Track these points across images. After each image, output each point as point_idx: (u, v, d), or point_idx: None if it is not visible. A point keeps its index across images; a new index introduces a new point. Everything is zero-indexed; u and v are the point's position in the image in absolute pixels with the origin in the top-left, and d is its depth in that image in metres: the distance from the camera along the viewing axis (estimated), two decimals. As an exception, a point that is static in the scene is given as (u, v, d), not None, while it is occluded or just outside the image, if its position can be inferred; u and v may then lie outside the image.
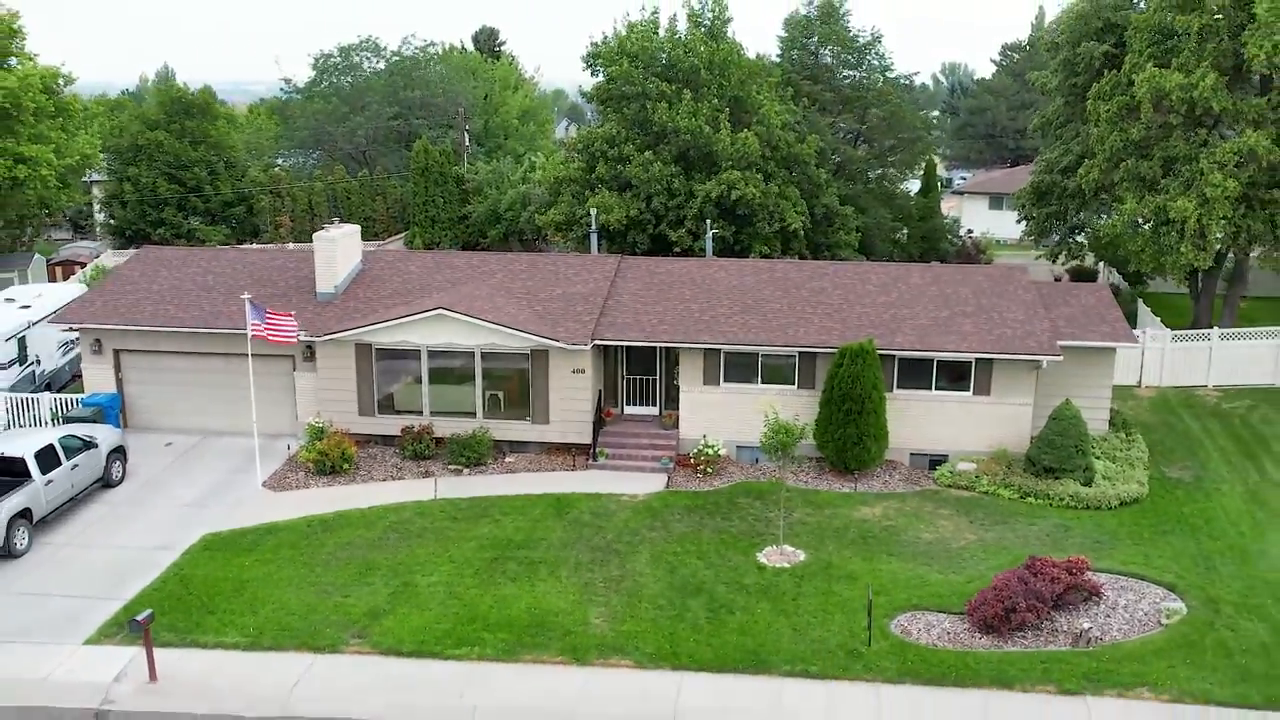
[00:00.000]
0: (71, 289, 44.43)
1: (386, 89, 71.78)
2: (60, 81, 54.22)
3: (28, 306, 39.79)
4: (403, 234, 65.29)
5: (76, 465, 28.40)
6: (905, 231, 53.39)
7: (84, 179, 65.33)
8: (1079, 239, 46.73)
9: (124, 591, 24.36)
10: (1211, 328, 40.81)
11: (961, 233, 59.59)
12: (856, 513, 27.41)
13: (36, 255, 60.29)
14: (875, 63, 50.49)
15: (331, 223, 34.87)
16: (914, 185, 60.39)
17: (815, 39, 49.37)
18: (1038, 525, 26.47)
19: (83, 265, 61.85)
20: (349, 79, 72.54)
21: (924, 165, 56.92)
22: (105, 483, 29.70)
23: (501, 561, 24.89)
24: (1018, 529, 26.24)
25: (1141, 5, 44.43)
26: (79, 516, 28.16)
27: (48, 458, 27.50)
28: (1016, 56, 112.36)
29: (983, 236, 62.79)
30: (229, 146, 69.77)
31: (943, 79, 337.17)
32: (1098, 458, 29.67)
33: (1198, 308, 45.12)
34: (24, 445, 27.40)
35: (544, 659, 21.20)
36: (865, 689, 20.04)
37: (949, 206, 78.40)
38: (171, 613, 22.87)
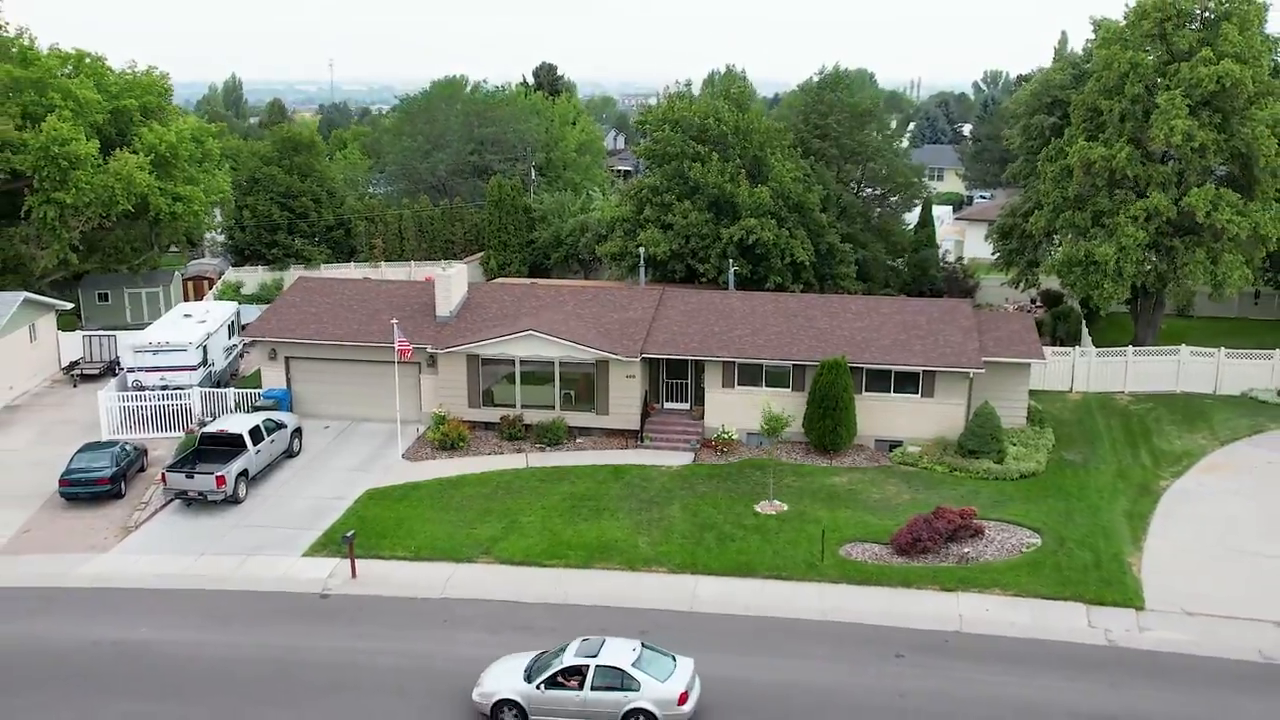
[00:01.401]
0: (227, 306, 55.92)
1: (464, 128, 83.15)
2: (204, 135, 65.91)
3: (204, 321, 51.44)
4: (478, 255, 76.50)
5: (273, 440, 39.95)
6: (904, 260, 63.65)
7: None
8: (1036, 271, 56.81)
9: (319, 524, 35.76)
10: (1147, 344, 51.16)
11: (952, 260, 69.84)
12: (829, 480, 38.26)
13: (176, 273, 72.26)
14: (874, 127, 61.00)
15: (449, 263, 46.14)
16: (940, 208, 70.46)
17: (824, 105, 59.87)
18: (957, 490, 37.11)
19: (210, 281, 73.78)
20: (429, 122, 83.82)
21: (921, 202, 67.36)
22: (289, 454, 41.23)
23: (577, 508, 36.04)
24: (942, 492, 36.87)
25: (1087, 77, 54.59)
26: (274, 477, 39.66)
27: (256, 434, 39.03)
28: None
29: (972, 261, 73.02)
30: (330, 178, 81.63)
31: (984, 87, 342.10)
32: (1013, 444, 40.18)
33: (1137, 327, 55.26)
34: (240, 425, 38.99)
35: (608, 567, 32.27)
36: (815, 585, 30.90)
37: (955, 231, 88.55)
38: (355, 537, 34.02)
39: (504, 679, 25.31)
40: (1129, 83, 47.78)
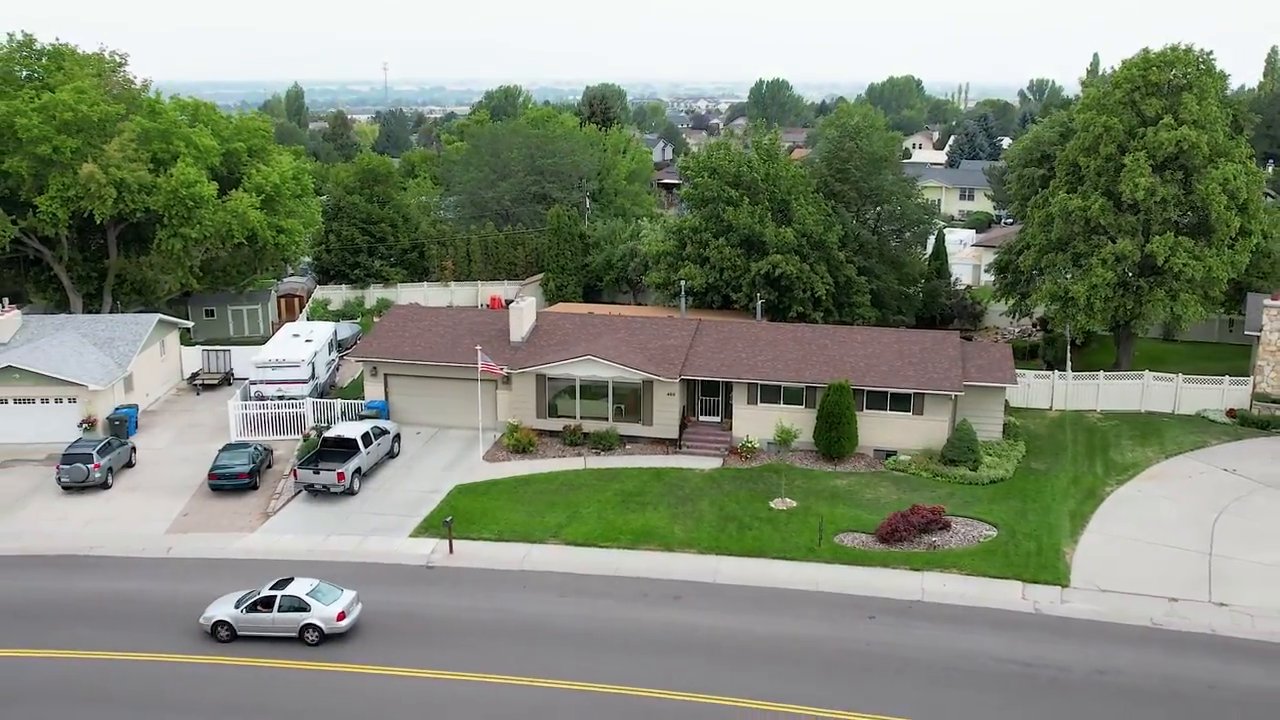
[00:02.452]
0: (327, 326, 65.12)
1: (526, 160, 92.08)
2: (301, 173, 75.22)
3: (310, 340, 60.61)
4: (538, 277, 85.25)
5: (379, 444, 48.99)
6: (918, 288, 71.48)
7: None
8: (1027, 302, 64.53)
9: (420, 512, 44.70)
10: (1123, 368, 58.95)
11: (963, 286, 77.70)
12: (832, 483, 46.65)
13: (272, 291, 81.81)
14: (889, 171, 69.08)
15: (520, 298, 55.03)
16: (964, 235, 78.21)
17: (844, 152, 68.08)
18: (937, 492, 45.31)
19: (301, 299, 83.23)
20: (494, 155, 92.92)
21: (935, 235, 75.36)
22: (391, 455, 50.28)
23: (627, 502, 44.73)
24: (924, 493, 45.08)
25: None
26: (380, 474, 48.69)
27: (366, 438, 48.09)
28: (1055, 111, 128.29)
29: (986, 286, 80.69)
30: (405, 205, 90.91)
31: (1029, 95, 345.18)
32: (988, 454, 48.24)
33: (1119, 351, 62.91)
34: (355, 430, 48.10)
35: (650, 548, 40.90)
36: (812, 565, 39.34)
37: (973, 256, 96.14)
38: (453, 522, 42.81)
39: (221, 607, 35.72)
40: (1103, 143, 55.61)
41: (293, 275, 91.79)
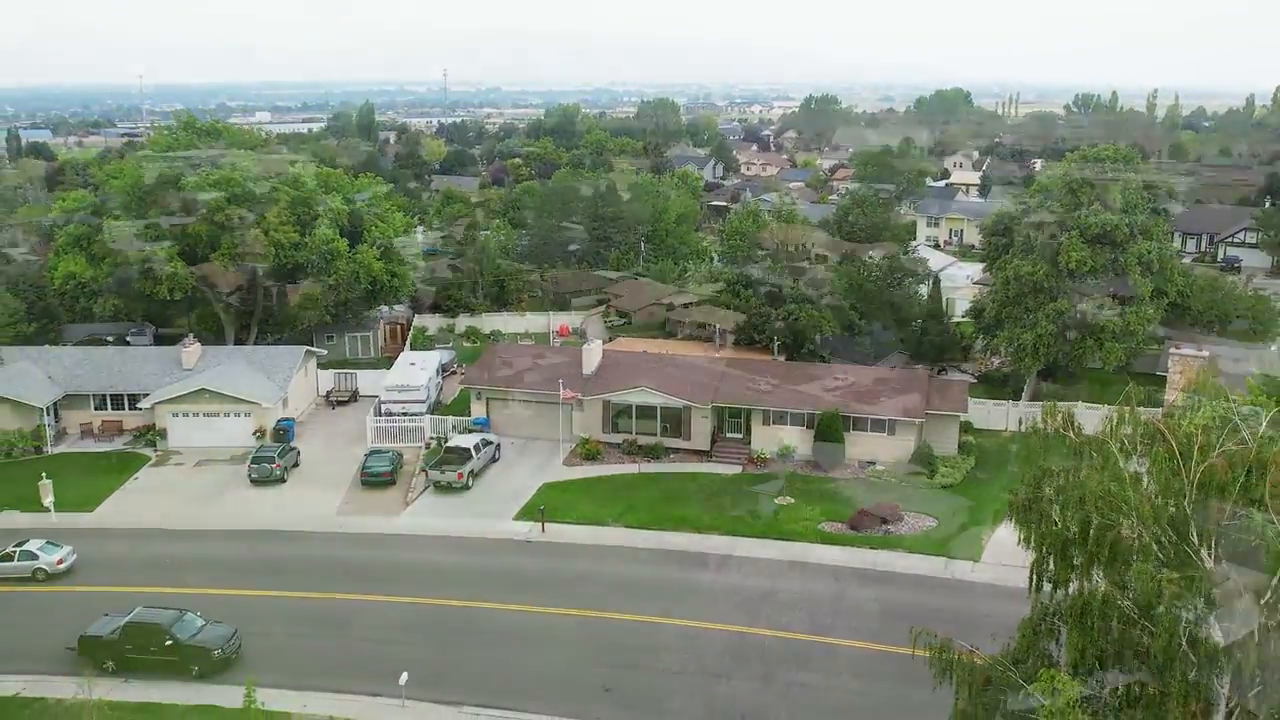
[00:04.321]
0: (434, 355, 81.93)
1: (591, 207, 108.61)
2: (412, 229, 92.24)
3: (425, 368, 77.36)
4: (599, 309, 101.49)
5: (486, 451, 65.60)
6: (914, 326, 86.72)
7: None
8: (995, 343, 79.67)
9: (518, 502, 61.20)
10: (1072, 398, 74.01)
11: (952, 323, 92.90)
12: (824, 486, 62.51)
13: (379, 320, 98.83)
14: (889, 232, 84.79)
15: (591, 339, 71.38)
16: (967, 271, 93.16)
17: (852, 217, 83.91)
18: (901, 493, 60.89)
19: (402, 326, 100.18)
20: (564, 203, 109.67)
21: (933, 279, 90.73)
22: (493, 460, 66.82)
23: (670, 497, 60.95)
24: (890, 495, 60.66)
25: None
26: (487, 475, 65.27)
27: (477, 447, 64.72)
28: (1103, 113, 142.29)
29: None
30: (488, 247, 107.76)
31: (1075, 109, 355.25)
32: (944, 466, 63.71)
33: (1068, 383, 77.87)
34: (468, 441, 64.80)
35: (686, 531, 57.00)
36: (800, 544, 55.15)
37: (973, 293, 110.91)
38: (545, 511, 59.04)
39: None
40: (1047, 223, 70.92)
41: (389, 306, 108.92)
